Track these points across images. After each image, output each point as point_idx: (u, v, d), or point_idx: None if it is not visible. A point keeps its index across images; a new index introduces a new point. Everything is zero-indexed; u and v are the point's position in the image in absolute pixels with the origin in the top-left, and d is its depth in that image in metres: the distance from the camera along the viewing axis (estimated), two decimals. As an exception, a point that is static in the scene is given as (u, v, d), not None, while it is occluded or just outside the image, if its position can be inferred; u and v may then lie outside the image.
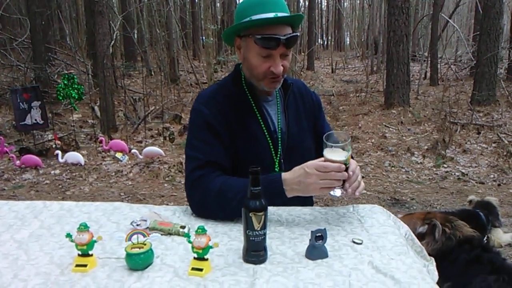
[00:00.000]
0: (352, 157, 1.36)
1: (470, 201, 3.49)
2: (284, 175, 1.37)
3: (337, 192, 1.34)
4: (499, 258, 1.74)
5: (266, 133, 1.56)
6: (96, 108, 7.87)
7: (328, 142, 1.29)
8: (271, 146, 1.56)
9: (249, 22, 1.41)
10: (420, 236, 1.89)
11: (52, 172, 5.16)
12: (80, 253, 1.14)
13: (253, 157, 1.50)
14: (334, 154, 1.30)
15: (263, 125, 1.56)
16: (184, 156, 5.19)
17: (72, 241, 1.13)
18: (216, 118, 1.48)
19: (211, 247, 1.11)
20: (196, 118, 1.52)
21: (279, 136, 1.58)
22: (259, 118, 1.56)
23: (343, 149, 1.30)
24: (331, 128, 1.74)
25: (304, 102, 1.69)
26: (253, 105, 1.56)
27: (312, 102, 1.73)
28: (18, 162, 5.10)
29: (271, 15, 1.40)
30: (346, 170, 1.31)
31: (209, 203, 1.41)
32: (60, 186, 4.78)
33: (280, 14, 1.40)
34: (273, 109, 1.62)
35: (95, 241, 1.15)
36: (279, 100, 1.64)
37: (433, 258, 1.27)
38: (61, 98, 5.54)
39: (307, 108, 1.69)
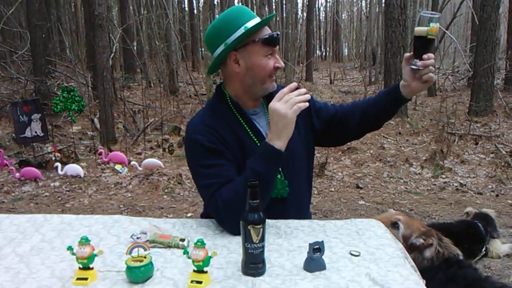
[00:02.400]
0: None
1: (467, 213, 3.51)
2: (267, 138, 1.46)
3: (417, 65, 1.50)
4: (471, 272, 1.76)
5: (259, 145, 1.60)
6: (95, 120, 7.89)
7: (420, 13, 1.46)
8: None
9: (253, 28, 1.49)
10: (410, 246, 1.85)
11: (52, 184, 5.17)
12: (81, 266, 1.16)
13: None
14: (420, 28, 1.45)
15: (255, 139, 1.60)
16: (183, 168, 5.15)
17: (73, 254, 1.15)
18: (213, 141, 1.52)
19: (210, 257, 1.13)
20: (193, 148, 1.55)
21: None
22: (250, 132, 1.60)
23: (430, 22, 1.43)
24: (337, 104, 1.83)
25: None
26: (242, 121, 1.60)
27: None
28: (17, 174, 5.10)
29: (257, 19, 1.53)
30: (429, 42, 1.46)
31: (237, 212, 1.39)
32: (60, 199, 4.79)
33: (258, 18, 1.55)
34: (263, 119, 1.67)
35: (95, 255, 1.17)
36: (266, 110, 1.68)
37: (424, 281, 1.28)
38: (57, 110, 5.55)
39: None
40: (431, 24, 1.43)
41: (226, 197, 1.43)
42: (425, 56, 1.49)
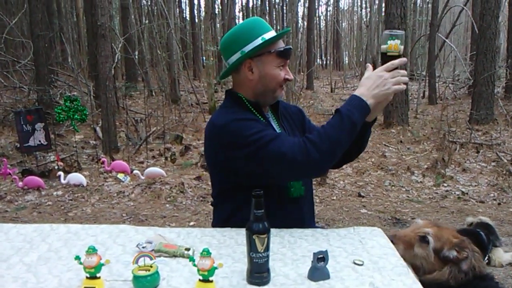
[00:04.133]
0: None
1: (471, 224, 3.50)
2: (358, 91, 1.50)
3: None
4: (493, 285, 1.72)
5: None
6: (98, 129, 7.93)
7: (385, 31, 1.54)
8: None
9: (270, 39, 1.56)
10: (444, 260, 1.70)
11: (55, 193, 5.18)
12: (88, 275, 1.17)
13: None
14: (382, 45, 1.52)
15: None
16: (185, 177, 5.13)
17: (81, 263, 1.16)
18: (249, 116, 1.56)
19: (216, 268, 1.14)
20: (236, 128, 1.49)
21: None
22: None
23: (388, 39, 1.49)
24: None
25: (290, 114, 1.83)
26: (262, 119, 1.64)
27: (296, 112, 1.88)
28: (20, 183, 5.12)
29: (272, 32, 1.59)
30: (391, 59, 1.49)
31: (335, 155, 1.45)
32: (63, 208, 4.80)
33: (274, 31, 1.61)
34: (274, 124, 1.71)
35: (102, 264, 1.18)
36: (274, 117, 1.74)
37: None
38: (59, 120, 5.57)
39: (295, 119, 1.83)
40: (389, 42, 1.50)
41: (314, 138, 1.42)
42: None
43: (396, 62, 1.48)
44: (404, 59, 1.50)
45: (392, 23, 8.50)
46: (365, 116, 1.48)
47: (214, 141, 1.58)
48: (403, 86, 1.49)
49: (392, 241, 1.77)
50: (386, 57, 1.52)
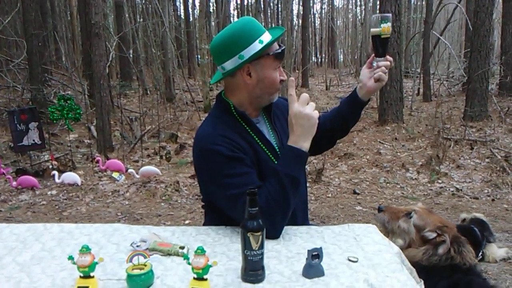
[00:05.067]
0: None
1: (464, 219, 3.51)
2: (290, 140, 1.51)
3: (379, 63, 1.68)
4: (477, 281, 1.74)
5: (270, 155, 1.61)
6: (92, 128, 7.89)
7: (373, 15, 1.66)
8: None
9: (269, 42, 1.53)
10: (422, 239, 1.83)
11: (49, 192, 5.16)
12: (81, 275, 1.16)
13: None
14: (374, 29, 1.63)
15: (263, 146, 1.61)
16: (180, 175, 5.11)
17: (74, 263, 1.16)
18: (233, 149, 1.49)
19: (210, 266, 1.14)
20: (214, 159, 1.49)
21: (279, 153, 1.63)
22: (258, 141, 1.60)
23: (381, 22, 1.60)
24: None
25: (283, 112, 1.75)
26: (248, 130, 1.60)
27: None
28: (14, 183, 5.09)
29: (267, 33, 1.57)
30: (385, 41, 1.62)
31: (279, 218, 1.46)
32: (57, 207, 4.78)
33: (267, 32, 1.58)
34: (264, 128, 1.68)
35: (96, 263, 1.18)
36: (266, 118, 1.71)
37: (422, 281, 1.29)
38: (53, 119, 5.54)
39: (287, 118, 1.77)
40: (382, 25, 1.61)
41: (263, 205, 1.39)
42: (384, 57, 1.67)
43: (291, 90, 1.51)
44: (391, 62, 1.66)
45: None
46: (306, 160, 1.53)
47: (195, 156, 1.59)
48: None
49: (382, 210, 1.93)
50: (380, 39, 1.63)
